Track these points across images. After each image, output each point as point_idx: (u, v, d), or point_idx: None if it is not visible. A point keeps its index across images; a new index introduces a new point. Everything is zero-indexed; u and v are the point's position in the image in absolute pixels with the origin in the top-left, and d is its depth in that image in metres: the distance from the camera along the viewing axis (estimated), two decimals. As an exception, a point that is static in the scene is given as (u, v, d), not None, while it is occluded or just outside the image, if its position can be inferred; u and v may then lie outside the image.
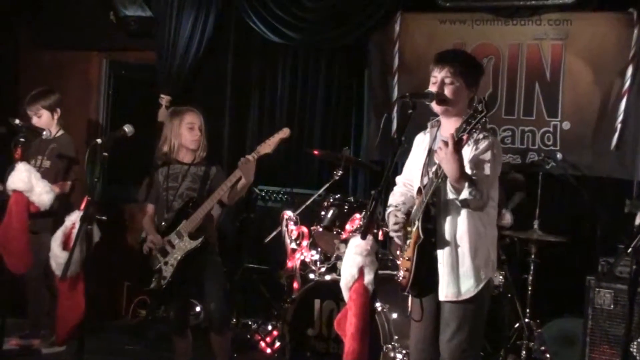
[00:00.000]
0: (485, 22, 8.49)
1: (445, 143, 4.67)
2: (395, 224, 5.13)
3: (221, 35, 9.59)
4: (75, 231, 6.54)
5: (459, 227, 4.97)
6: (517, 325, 7.44)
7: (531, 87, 8.30)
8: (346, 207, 7.31)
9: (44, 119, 7.75)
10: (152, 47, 9.69)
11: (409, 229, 5.08)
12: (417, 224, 4.95)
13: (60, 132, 7.85)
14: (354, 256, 5.85)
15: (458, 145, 4.66)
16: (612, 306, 6.67)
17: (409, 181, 5.38)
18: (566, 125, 8.15)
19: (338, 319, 6.05)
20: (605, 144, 7.97)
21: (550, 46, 8.23)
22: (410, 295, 5.25)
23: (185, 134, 6.89)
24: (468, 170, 4.82)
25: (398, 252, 5.24)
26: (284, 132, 6.72)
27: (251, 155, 6.63)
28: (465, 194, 4.75)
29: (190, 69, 9.54)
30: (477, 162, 4.88)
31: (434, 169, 4.91)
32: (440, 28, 8.68)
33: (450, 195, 4.86)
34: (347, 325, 5.80)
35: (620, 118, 7.88)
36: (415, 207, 5.06)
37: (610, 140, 7.93)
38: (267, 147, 6.69)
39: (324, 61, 9.30)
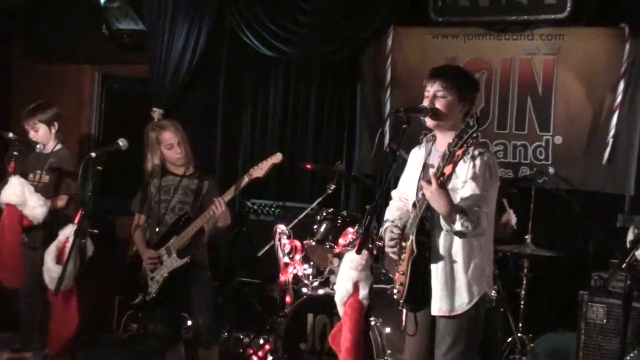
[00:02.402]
0: (478, 36, 8.50)
1: (429, 182, 4.68)
2: (391, 239, 5.14)
3: (214, 48, 9.59)
4: (69, 245, 6.54)
5: (453, 241, 4.97)
6: (509, 339, 7.45)
7: (523, 102, 8.32)
8: (339, 221, 7.32)
9: (41, 133, 7.70)
10: (144, 60, 9.70)
11: (403, 243, 5.08)
12: (412, 237, 4.94)
13: (59, 146, 7.79)
14: (349, 271, 5.86)
15: (442, 180, 4.67)
16: (605, 320, 6.67)
17: (404, 195, 5.40)
18: (558, 139, 8.16)
19: (333, 333, 6.05)
20: (597, 159, 7.97)
21: (542, 61, 8.24)
22: (404, 310, 5.24)
23: (165, 153, 6.91)
24: (465, 192, 4.88)
25: (392, 266, 5.26)
26: (277, 157, 6.73)
27: (221, 198, 6.65)
28: (457, 226, 4.76)
29: (183, 82, 9.55)
30: (474, 182, 4.91)
31: (420, 195, 4.93)
32: (432, 42, 8.70)
33: (444, 227, 4.88)
34: (342, 339, 5.80)
35: (612, 133, 7.89)
36: (410, 221, 5.06)
37: (602, 155, 7.93)
38: (260, 170, 6.72)
39: (316, 75, 9.31)
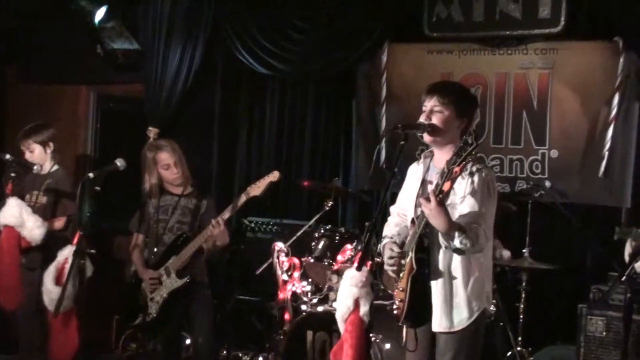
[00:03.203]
0: (472, 52, 8.52)
1: (428, 199, 4.69)
2: (390, 257, 5.14)
3: (209, 67, 9.60)
4: (68, 266, 6.53)
5: (453, 258, 4.98)
6: (509, 353, 7.43)
7: (519, 116, 8.32)
8: (337, 237, 7.33)
9: (37, 154, 7.66)
10: (139, 80, 9.71)
11: (402, 260, 5.08)
12: (411, 254, 4.95)
13: (55, 167, 7.75)
14: (349, 288, 5.87)
15: (440, 197, 4.68)
16: (604, 333, 6.69)
17: (403, 211, 5.41)
18: (554, 153, 8.17)
19: (334, 350, 6.05)
20: (593, 172, 7.98)
21: (537, 75, 8.25)
22: (404, 326, 5.25)
23: (162, 174, 6.96)
24: (464, 208, 4.90)
25: (391, 282, 5.26)
26: (274, 176, 6.78)
27: (220, 218, 6.67)
28: (456, 243, 4.76)
29: (178, 101, 9.55)
30: (473, 199, 4.92)
31: (419, 211, 4.93)
32: (427, 58, 8.71)
33: (442, 244, 4.89)
34: (344, 356, 5.81)
35: (607, 146, 7.89)
36: (409, 238, 5.08)
37: (598, 168, 7.94)
38: (257, 189, 6.76)
39: (311, 92, 9.32)
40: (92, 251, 7.11)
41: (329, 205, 7.60)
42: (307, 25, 9.09)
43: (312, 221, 7.73)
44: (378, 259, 6.06)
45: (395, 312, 5.16)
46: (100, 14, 9.17)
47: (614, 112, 7.88)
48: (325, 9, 8.97)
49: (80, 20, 9.35)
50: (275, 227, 8.71)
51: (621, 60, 7.85)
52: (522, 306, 7.48)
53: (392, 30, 8.83)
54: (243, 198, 6.78)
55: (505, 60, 8.42)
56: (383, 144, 8.65)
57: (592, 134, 8.03)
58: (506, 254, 7.46)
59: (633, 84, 7.84)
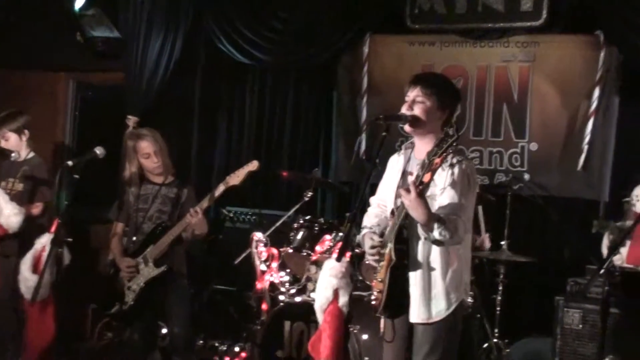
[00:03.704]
0: (454, 44, 8.54)
1: (408, 190, 4.68)
2: (372, 247, 5.13)
3: (189, 56, 9.55)
4: (45, 254, 6.50)
5: (432, 249, 4.97)
6: (485, 345, 7.48)
7: (499, 109, 8.36)
8: (316, 228, 7.31)
9: (12, 142, 7.59)
10: (119, 68, 9.64)
11: (382, 251, 5.08)
12: (390, 245, 4.95)
13: (31, 154, 7.69)
14: (328, 278, 5.84)
15: (420, 189, 4.68)
16: (580, 326, 6.68)
17: (383, 202, 5.40)
18: (534, 146, 8.20)
19: (312, 341, 6.02)
20: (573, 165, 8.02)
21: (518, 68, 8.29)
22: (383, 317, 5.25)
23: (143, 163, 6.92)
24: (443, 200, 4.89)
25: (369, 273, 5.27)
26: (253, 165, 6.76)
27: (198, 207, 6.65)
28: (435, 234, 4.76)
29: (158, 90, 9.48)
30: (452, 190, 4.91)
31: (399, 202, 4.93)
32: (409, 50, 8.72)
33: (422, 235, 4.89)
34: (322, 347, 5.78)
35: (587, 139, 7.94)
36: (388, 229, 5.07)
37: (577, 161, 7.98)
38: (236, 178, 6.74)
39: (292, 82, 9.32)
40: (69, 239, 7.08)
41: (309, 195, 7.59)
42: (289, 15, 9.08)
43: (292, 212, 7.73)
44: (357, 250, 6.09)
45: (373, 302, 5.15)
46: (80, 1, 9.11)
47: (593, 106, 7.92)
48: (308, -1, 8.97)
49: (61, 7, 9.31)
50: (254, 217, 8.69)
51: (602, 54, 7.89)
52: (499, 298, 7.50)
53: (374, 21, 8.84)
54: (222, 187, 6.76)
55: (487, 52, 8.46)
56: (363, 135, 8.66)
57: (571, 127, 8.07)
58: (487, 240, 7.46)
59: (613, 78, 7.89)
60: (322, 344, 5.80)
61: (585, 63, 8.02)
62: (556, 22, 8.09)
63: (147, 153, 6.89)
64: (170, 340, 7.11)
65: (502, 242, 7.44)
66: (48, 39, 9.81)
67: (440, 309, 5.01)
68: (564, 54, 8.15)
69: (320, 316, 5.94)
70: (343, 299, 5.81)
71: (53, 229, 6.50)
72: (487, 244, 7.54)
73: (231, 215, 8.80)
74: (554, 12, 8.03)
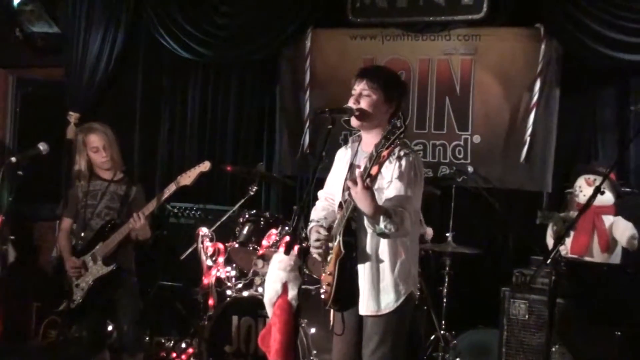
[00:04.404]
0: (396, 37, 8.56)
1: (355, 182, 4.69)
2: (317, 240, 5.15)
3: (131, 51, 9.51)
4: (-11, 252, 6.45)
5: (380, 242, 5.00)
6: (432, 337, 7.51)
7: (442, 102, 8.39)
8: (262, 222, 7.30)
9: None
10: (60, 63, 9.56)
11: (330, 244, 5.09)
12: (339, 238, 4.96)
13: None
14: (277, 272, 5.86)
15: (368, 182, 4.69)
16: (526, 316, 6.77)
17: (330, 195, 5.42)
18: (477, 138, 8.26)
19: (262, 334, 6.04)
20: (515, 157, 8.09)
21: (460, 61, 8.33)
22: (332, 310, 5.26)
23: (92, 157, 6.88)
24: (390, 192, 4.91)
25: (316, 267, 5.28)
26: (205, 166, 6.77)
27: (141, 212, 6.63)
28: (381, 227, 4.78)
29: (99, 85, 9.44)
30: (400, 182, 4.94)
31: (346, 195, 4.93)
32: (351, 43, 8.72)
33: (368, 228, 4.90)
34: (272, 341, 5.80)
35: (529, 131, 8.01)
36: (336, 222, 5.08)
37: (520, 153, 8.05)
38: (187, 178, 6.74)
39: (235, 77, 9.28)
40: (11, 237, 7.03)
41: (254, 190, 7.58)
42: (230, 10, 9.05)
43: (237, 206, 7.69)
44: (304, 244, 6.08)
45: (322, 296, 5.18)
46: (19, -4, 9.03)
47: (535, 98, 8.00)
48: (249, -7, 8.95)
49: (-1, 2, 9.22)
50: (198, 213, 8.66)
51: (542, 46, 7.97)
52: (445, 290, 7.54)
53: (316, 15, 8.83)
54: (173, 187, 6.75)
55: (428, 46, 8.48)
56: (307, 129, 8.67)
57: (513, 119, 8.14)
58: (429, 231, 7.50)
59: (554, 71, 7.96)
60: (272, 337, 5.82)
61: (526, 56, 8.08)
62: (497, 15, 8.13)
63: (96, 147, 6.84)
64: (118, 338, 7.06)
65: (447, 234, 7.47)
66: (-13, 35, 9.70)
67: (389, 301, 5.04)
68: (505, 47, 8.20)
69: (269, 310, 5.95)
70: (292, 292, 5.82)
71: (-3, 226, 6.45)
72: (430, 234, 7.57)
73: (175, 210, 8.75)
74: (494, 5, 8.08)
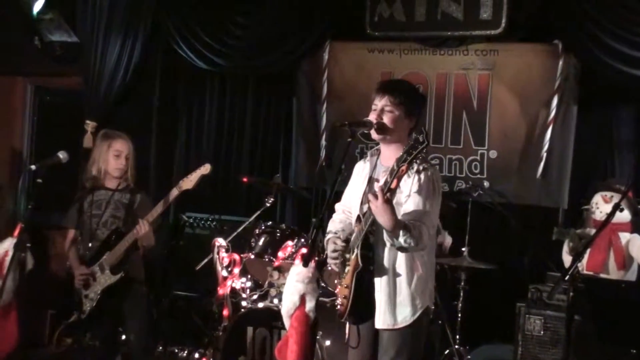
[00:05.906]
0: (414, 51, 8.57)
1: (375, 195, 4.70)
2: (334, 251, 5.16)
3: (148, 61, 9.53)
4: (8, 259, 6.44)
5: (397, 255, 5.00)
6: (447, 351, 7.51)
7: (458, 116, 8.40)
8: (278, 234, 7.32)
9: None
10: (78, 72, 9.59)
11: (347, 256, 5.10)
12: (356, 251, 4.97)
13: None
14: (295, 283, 5.82)
15: (388, 195, 4.69)
16: (542, 332, 6.77)
17: (347, 208, 5.42)
18: (493, 154, 8.26)
19: (279, 346, 6.01)
20: (531, 173, 8.09)
21: (477, 76, 8.34)
22: (347, 323, 5.26)
23: (110, 161, 6.87)
24: (408, 206, 4.92)
25: (335, 280, 5.28)
26: (205, 168, 6.74)
27: (145, 219, 6.63)
28: (400, 241, 4.78)
29: (117, 94, 9.45)
30: (418, 197, 4.94)
31: (365, 208, 4.94)
32: (368, 57, 8.74)
33: (387, 241, 4.90)
34: (288, 352, 5.77)
35: (545, 147, 8.01)
36: (354, 235, 5.08)
37: (536, 169, 8.05)
38: (189, 182, 6.72)
39: (252, 88, 9.30)
40: (27, 245, 7.03)
41: (270, 201, 7.59)
42: (248, 22, 9.08)
43: (253, 217, 7.70)
44: (321, 256, 6.09)
45: (338, 308, 5.19)
46: (38, 5, 9.06)
47: (552, 114, 8.00)
48: (267, 5, 8.97)
49: (19, 10, 9.23)
50: (213, 223, 8.68)
51: (560, 62, 7.97)
52: (460, 305, 7.54)
53: (334, 28, 8.85)
54: (175, 192, 6.73)
55: (446, 60, 8.49)
56: (323, 141, 8.69)
57: (530, 135, 8.13)
58: (448, 239, 7.50)
59: (571, 87, 7.97)
60: (289, 349, 5.79)
61: (544, 71, 8.09)
62: (515, 30, 8.14)
63: (119, 151, 6.85)
64: (127, 348, 7.07)
65: (463, 249, 7.48)
66: (6, 44, 9.72)
67: (405, 315, 5.04)
68: (522, 63, 8.21)
69: (287, 321, 5.93)
70: (310, 305, 5.79)
71: (16, 233, 6.46)
72: (448, 241, 7.57)
73: (191, 221, 8.77)
74: (512, 20, 8.08)
